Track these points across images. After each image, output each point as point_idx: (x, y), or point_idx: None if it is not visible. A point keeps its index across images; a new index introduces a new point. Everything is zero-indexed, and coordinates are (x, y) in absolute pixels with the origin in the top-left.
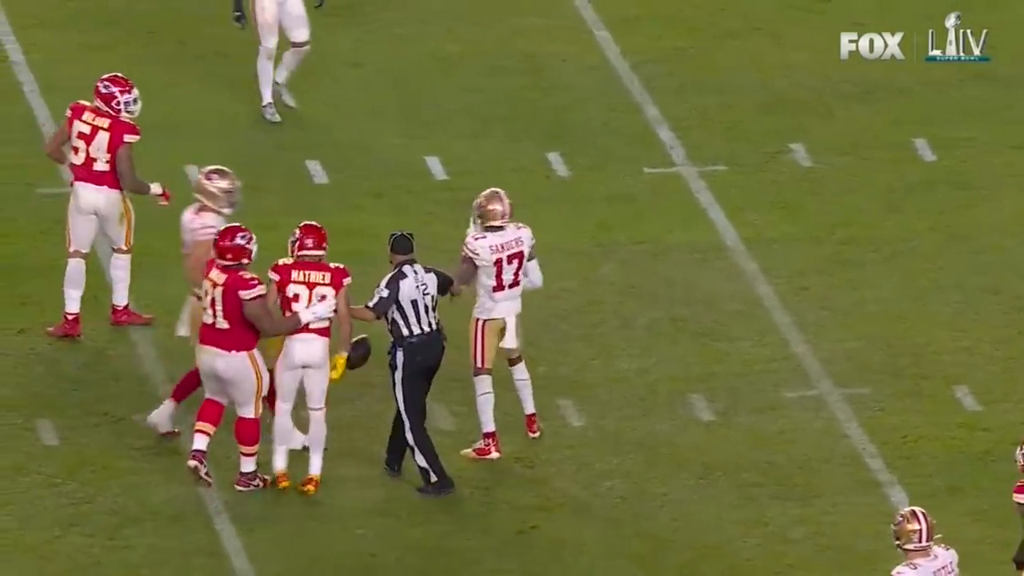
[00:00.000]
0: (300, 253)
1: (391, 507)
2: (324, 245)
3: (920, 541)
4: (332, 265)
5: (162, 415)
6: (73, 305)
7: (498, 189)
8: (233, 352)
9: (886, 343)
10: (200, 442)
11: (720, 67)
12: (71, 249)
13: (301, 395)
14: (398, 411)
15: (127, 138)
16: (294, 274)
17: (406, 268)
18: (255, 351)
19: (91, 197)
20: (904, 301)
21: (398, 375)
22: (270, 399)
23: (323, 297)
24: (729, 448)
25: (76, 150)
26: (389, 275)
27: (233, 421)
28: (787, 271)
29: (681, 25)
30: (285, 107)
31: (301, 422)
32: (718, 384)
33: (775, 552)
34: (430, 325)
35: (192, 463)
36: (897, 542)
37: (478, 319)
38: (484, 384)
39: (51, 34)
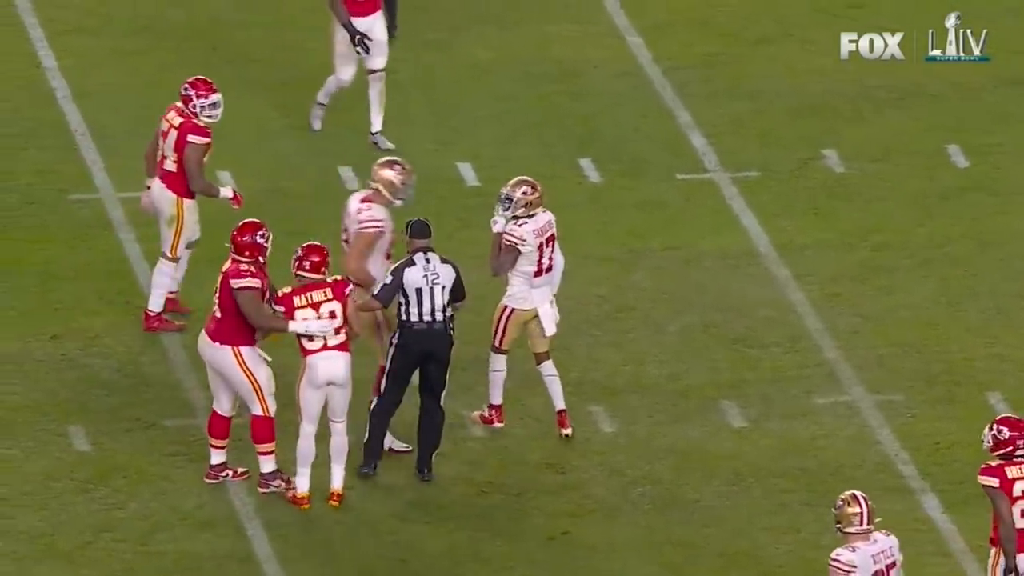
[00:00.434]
0: (298, 273)
1: (422, 513)
2: (323, 269)
3: (860, 524)
4: (331, 279)
5: None
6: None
7: (526, 176)
8: (218, 344)
9: (918, 349)
10: (216, 457)
11: (752, 73)
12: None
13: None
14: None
15: (190, 138)
16: (296, 300)
17: (417, 257)
18: (244, 350)
19: (155, 194)
20: (936, 307)
21: (390, 355)
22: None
23: (332, 313)
24: (761, 454)
25: (157, 147)
26: (398, 263)
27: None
28: (819, 277)
29: (713, 31)
30: (382, 151)
31: (405, 424)
32: (750, 390)
33: (806, 559)
34: (433, 315)
35: (208, 480)
36: (838, 525)
37: (507, 306)
38: (498, 363)
39: (84, 40)
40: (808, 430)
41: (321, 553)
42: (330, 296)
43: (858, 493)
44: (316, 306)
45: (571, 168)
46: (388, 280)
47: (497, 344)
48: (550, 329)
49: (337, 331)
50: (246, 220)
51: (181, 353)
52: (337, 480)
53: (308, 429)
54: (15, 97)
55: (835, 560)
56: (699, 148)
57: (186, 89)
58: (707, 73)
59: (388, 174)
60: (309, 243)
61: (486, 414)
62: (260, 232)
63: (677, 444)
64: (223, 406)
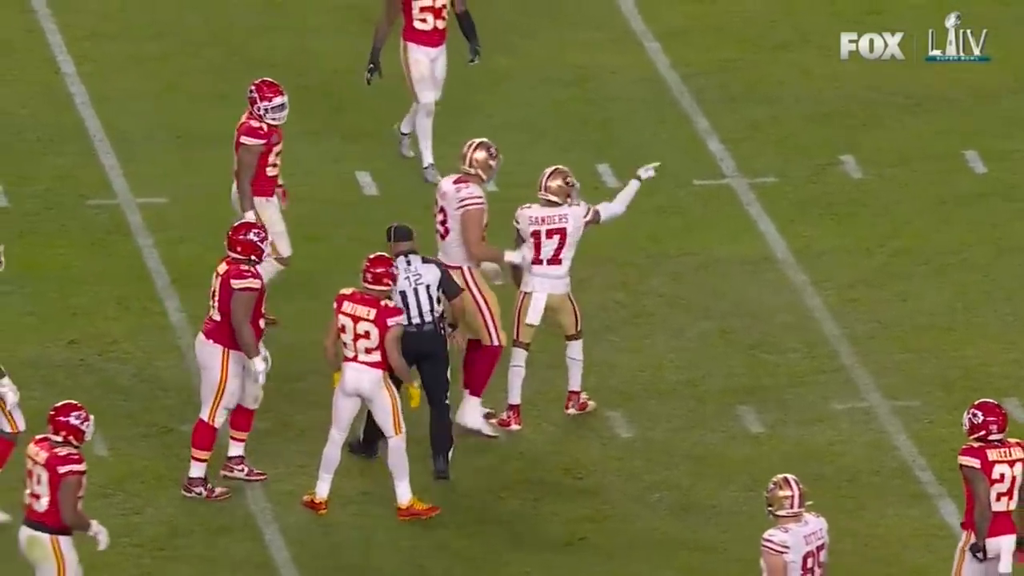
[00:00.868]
0: (362, 283)
1: (439, 518)
2: (385, 280)
3: (791, 507)
4: (383, 303)
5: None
6: None
7: (562, 167)
8: (211, 342)
9: (936, 355)
10: (234, 448)
11: (770, 79)
12: None
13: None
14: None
15: (243, 139)
16: (344, 305)
17: (398, 260)
18: (233, 353)
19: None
20: (954, 313)
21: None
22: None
23: (366, 333)
24: (778, 460)
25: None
26: None
27: (280, 437)
28: (837, 283)
29: (731, 37)
30: (430, 183)
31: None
32: (767, 396)
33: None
34: (421, 317)
35: (223, 473)
36: (769, 508)
37: (519, 291)
38: (516, 357)
39: (102, 45)
40: (825, 436)
41: (338, 559)
42: (372, 318)
43: (790, 477)
44: (355, 319)
45: (589, 174)
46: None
47: (514, 336)
48: (533, 318)
49: (369, 351)
50: (242, 220)
51: (196, 361)
52: (402, 495)
53: (336, 436)
54: (34, 103)
55: (768, 541)
56: (716, 154)
57: (251, 91)
58: (724, 79)
59: (482, 155)
60: (376, 254)
61: (503, 416)
62: (256, 231)
63: (694, 449)
64: (245, 402)
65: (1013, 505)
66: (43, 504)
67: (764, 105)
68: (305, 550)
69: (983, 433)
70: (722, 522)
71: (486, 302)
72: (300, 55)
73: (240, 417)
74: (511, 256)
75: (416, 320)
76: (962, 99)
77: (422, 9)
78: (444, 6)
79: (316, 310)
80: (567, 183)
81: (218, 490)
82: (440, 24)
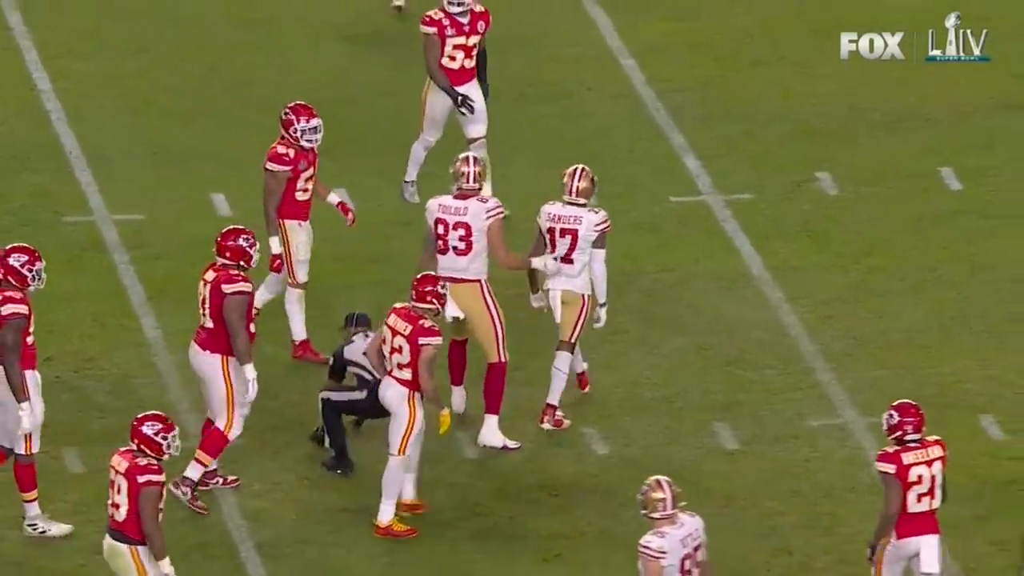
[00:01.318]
0: (410, 300)
1: (415, 535)
2: (429, 299)
3: (665, 509)
4: (422, 322)
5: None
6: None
7: (586, 167)
8: (207, 352)
9: (911, 372)
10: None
11: (746, 96)
12: None
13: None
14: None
15: (268, 165)
16: (390, 318)
17: (356, 336)
18: (232, 359)
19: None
20: (929, 330)
21: (352, 400)
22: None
23: (399, 348)
24: (754, 477)
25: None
26: (338, 346)
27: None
28: (813, 300)
29: (707, 54)
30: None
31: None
32: (743, 412)
33: None
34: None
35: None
36: (644, 511)
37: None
38: (559, 359)
39: (80, 62)
40: (801, 452)
41: (315, 575)
42: (406, 333)
43: (662, 478)
44: (394, 333)
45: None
46: (332, 361)
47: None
48: (556, 315)
49: (402, 367)
50: (230, 227)
51: (175, 376)
52: (383, 514)
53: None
54: (10, 119)
55: (645, 547)
56: (692, 170)
57: (286, 113)
58: (701, 96)
59: (479, 169)
60: (424, 272)
61: (557, 416)
62: (245, 236)
63: (670, 466)
64: (220, 421)
65: (936, 504)
66: (122, 514)
67: (740, 122)
68: (280, 567)
69: (899, 434)
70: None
71: (499, 318)
72: (277, 72)
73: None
74: (537, 263)
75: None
76: (938, 116)
77: (455, 47)
78: (475, 45)
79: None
80: (593, 183)
81: (199, 503)
82: (468, 63)
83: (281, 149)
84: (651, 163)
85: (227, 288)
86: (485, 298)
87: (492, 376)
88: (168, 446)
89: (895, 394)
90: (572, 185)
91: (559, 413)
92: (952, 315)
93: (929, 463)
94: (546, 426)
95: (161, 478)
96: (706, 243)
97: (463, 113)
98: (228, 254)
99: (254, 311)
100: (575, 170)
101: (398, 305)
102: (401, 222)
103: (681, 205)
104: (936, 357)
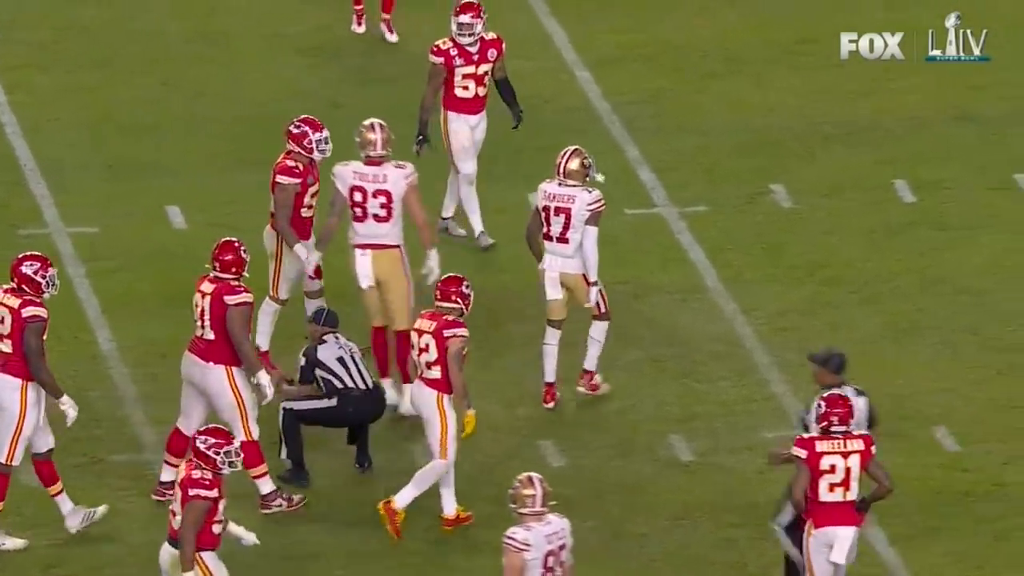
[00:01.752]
0: (435, 301)
1: (372, 551)
2: (453, 298)
3: (534, 506)
4: (445, 317)
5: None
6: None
7: (580, 148)
8: (211, 364)
9: (865, 384)
10: (166, 474)
11: (701, 108)
12: None
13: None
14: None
15: (279, 179)
16: (419, 321)
17: (327, 337)
18: (236, 369)
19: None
20: (883, 342)
21: (319, 408)
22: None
23: (426, 347)
24: (709, 489)
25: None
26: (307, 346)
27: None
28: (767, 312)
29: (662, 66)
30: (452, 236)
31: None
32: (698, 425)
33: None
34: (366, 383)
35: (155, 497)
36: (513, 506)
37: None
38: (548, 334)
39: (35, 75)
40: (756, 464)
41: None
42: (431, 329)
43: (534, 476)
44: (420, 333)
45: (520, 203)
46: (303, 362)
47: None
48: (551, 294)
49: (430, 365)
50: (223, 240)
51: (131, 389)
52: (401, 498)
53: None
54: None
55: (510, 538)
56: (647, 183)
57: (298, 127)
58: (656, 108)
59: (383, 136)
60: (449, 275)
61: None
62: (242, 247)
63: (626, 478)
64: (190, 425)
65: (851, 496)
66: (179, 522)
67: (695, 135)
68: None
69: (825, 424)
70: (653, 551)
71: (411, 286)
72: (233, 85)
73: (179, 443)
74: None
75: (361, 385)
76: (891, 129)
77: (464, 76)
78: (486, 73)
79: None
80: (584, 164)
81: (296, 497)
82: (481, 91)
83: (290, 163)
84: (606, 175)
85: (230, 300)
86: (404, 264)
87: (403, 344)
88: (221, 461)
89: None
90: (561, 166)
91: (598, 377)
92: (906, 327)
93: (846, 454)
94: (581, 389)
95: (210, 493)
96: (661, 255)
97: (416, 150)
98: (221, 266)
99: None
100: (565, 151)
101: (424, 311)
102: None
103: (636, 217)
104: (890, 369)
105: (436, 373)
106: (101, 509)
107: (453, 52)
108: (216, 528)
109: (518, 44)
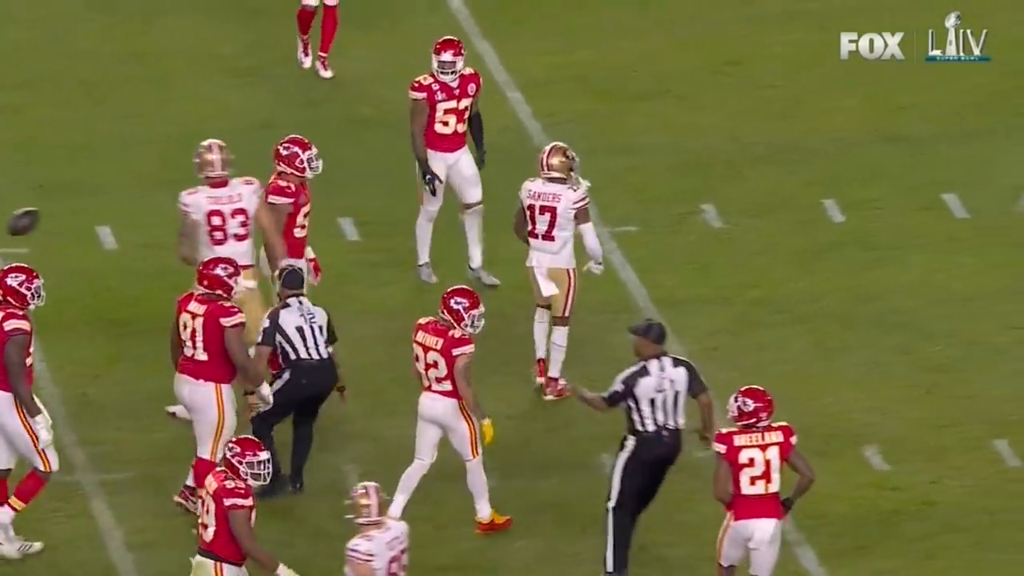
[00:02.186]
0: (439, 312)
1: (305, 570)
2: (459, 315)
3: (371, 516)
4: (452, 333)
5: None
6: None
7: (562, 143)
8: (201, 381)
9: (795, 403)
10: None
11: (631, 129)
12: None
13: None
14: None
15: (271, 199)
16: (418, 334)
17: (290, 300)
18: (225, 388)
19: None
20: (813, 361)
21: (278, 390)
22: None
23: (435, 363)
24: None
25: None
26: (272, 308)
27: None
28: (697, 331)
29: (591, 87)
30: (486, 286)
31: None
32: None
33: None
34: (319, 352)
35: (177, 499)
36: (350, 516)
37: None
38: (537, 314)
39: None
40: (687, 484)
41: None
42: (438, 347)
43: (370, 485)
44: (425, 349)
45: (452, 224)
46: (266, 324)
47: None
48: (546, 289)
49: (440, 380)
50: (211, 256)
51: (60, 409)
52: (482, 511)
53: (416, 461)
54: None
55: (353, 551)
56: None
57: (285, 148)
58: (585, 129)
59: (221, 156)
60: (455, 287)
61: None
62: (223, 265)
63: (558, 497)
64: (203, 451)
65: (773, 488)
66: (210, 534)
67: (624, 155)
68: None
69: (753, 421)
70: (585, 570)
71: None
72: (164, 105)
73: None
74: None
75: (315, 356)
76: (821, 149)
77: (446, 112)
78: (467, 108)
79: None
80: (567, 157)
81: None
82: (460, 127)
83: (282, 183)
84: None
85: (226, 321)
86: (258, 280)
87: None
88: (244, 472)
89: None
90: (544, 161)
91: (562, 381)
92: (835, 346)
93: (764, 447)
94: (549, 397)
95: (247, 502)
96: (592, 275)
97: (426, 189)
98: (206, 282)
99: None
100: (548, 147)
101: (422, 321)
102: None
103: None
104: (819, 388)
105: (448, 386)
106: (37, 545)
107: (435, 87)
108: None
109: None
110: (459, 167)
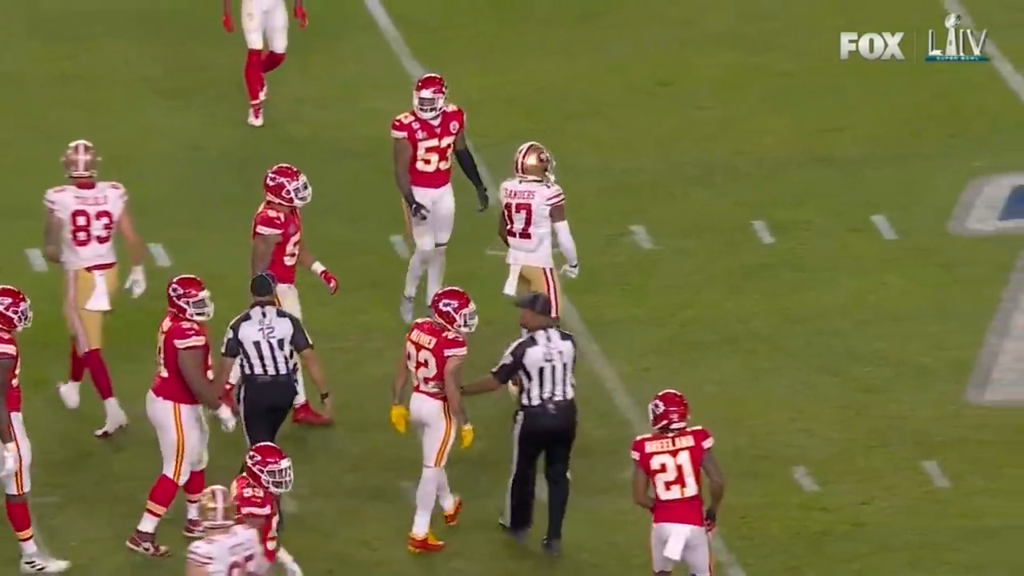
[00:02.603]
0: (433, 314)
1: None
2: (450, 317)
3: (215, 519)
4: (445, 334)
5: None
6: None
7: (537, 143)
8: (161, 398)
9: (725, 424)
10: (191, 512)
11: (561, 150)
12: None
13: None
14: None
15: (259, 229)
16: (412, 333)
17: (252, 311)
18: (184, 408)
19: None
20: (743, 382)
21: (241, 413)
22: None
23: (425, 362)
24: (570, 529)
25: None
26: (236, 317)
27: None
28: (628, 352)
29: (522, 108)
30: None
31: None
32: None
33: None
34: (276, 368)
35: (186, 534)
36: (199, 518)
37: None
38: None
39: None
40: (616, 505)
41: None
42: (431, 346)
43: (218, 489)
44: (418, 348)
45: (383, 244)
46: (229, 335)
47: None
48: (509, 287)
49: (428, 380)
50: (182, 276)
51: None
52: (418, 527)
53: (424, 467)
54: None
55: (193, 553)
56: None
57: (273, 179)
58: (516, 150)
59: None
60: (449, 288)
61: None
62: (173, 286)
63: (490, 519)
64: (168, 468)
65: (689, 492)
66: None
67: (555, 175)
68: None
69: (665, 423)
70: None
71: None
72: (94, 129)
73: (193, 480)
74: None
75: (271, 371)
76: (750, 170)
77: (428, 150)
78: (449, 146)
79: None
80: (542, 159)
81: (163, 548)
82: (443, 165)
83: (271, 213)
84: (468, 216)
85: (180, 344)
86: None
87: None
88: (266, 480)
89: None
90: (519, 162)
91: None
92: (765, 367)
93: (674, 452)
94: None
95: (262, 511)
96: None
97: (415, 221)
98: (168, 302)
99: None
100: (521, 148)
101: (419, 320)
102: (214, 275)
103: (499, 258)
104: (749, 409)
105: (435, 387)
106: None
107: (415, 126)
108: (270, 544)
109: (379, 86)
110: (441, 205)
